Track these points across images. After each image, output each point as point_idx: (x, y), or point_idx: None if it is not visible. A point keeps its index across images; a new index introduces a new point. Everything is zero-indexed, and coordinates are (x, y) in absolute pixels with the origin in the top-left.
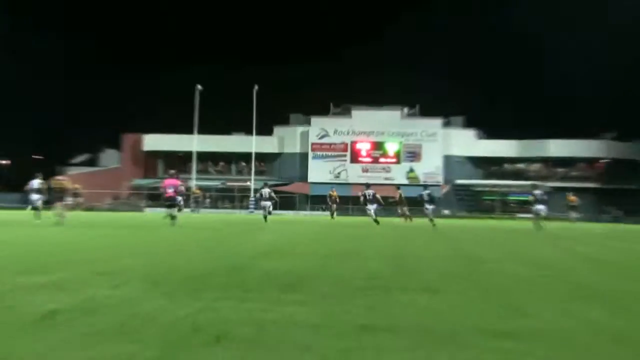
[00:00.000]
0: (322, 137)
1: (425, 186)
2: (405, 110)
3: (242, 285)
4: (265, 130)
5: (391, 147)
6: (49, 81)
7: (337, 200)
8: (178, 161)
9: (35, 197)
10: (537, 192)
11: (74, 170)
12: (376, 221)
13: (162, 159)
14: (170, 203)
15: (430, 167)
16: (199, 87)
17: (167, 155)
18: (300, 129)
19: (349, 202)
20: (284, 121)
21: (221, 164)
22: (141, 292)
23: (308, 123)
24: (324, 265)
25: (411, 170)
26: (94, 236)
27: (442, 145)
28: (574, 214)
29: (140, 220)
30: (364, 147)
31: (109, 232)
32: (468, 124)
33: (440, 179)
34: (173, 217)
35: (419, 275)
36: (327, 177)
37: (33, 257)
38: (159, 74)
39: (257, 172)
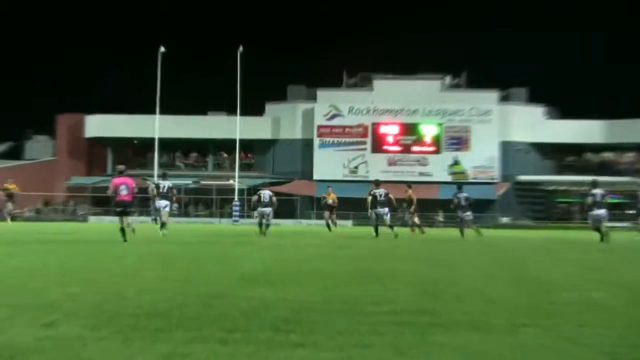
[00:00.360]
0: (333, 117)
1: (460, 185)
2: (447, 79)
3: (221, 321)
4: (254, 108)
5: (428, 131)
6: None
7: (336, 203)
8: (133, 151)
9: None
10: (597, 191)
11: None
12: (392, 228)
13: (111, 148)
14: (123, 209)
15: (481, 158)
16: (162, 48)
17: (118, 143)
18: (302, 107)
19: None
20: (280, 96)
21: (193, 155)
22: (83, 332)
23: (313, 98)
24: (333, 292)
25: (455, 163)
26: (12, 255)
27: (499, 127)
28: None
29: (82, 233)
30: (390, 130)
31: (36, 249)
32: (533, 98)
33: (495, 174)
34: (123, 230)
35: (463, 306)
36: (339, 173)
37: None
38: (102, 32)
39: (243, 167)
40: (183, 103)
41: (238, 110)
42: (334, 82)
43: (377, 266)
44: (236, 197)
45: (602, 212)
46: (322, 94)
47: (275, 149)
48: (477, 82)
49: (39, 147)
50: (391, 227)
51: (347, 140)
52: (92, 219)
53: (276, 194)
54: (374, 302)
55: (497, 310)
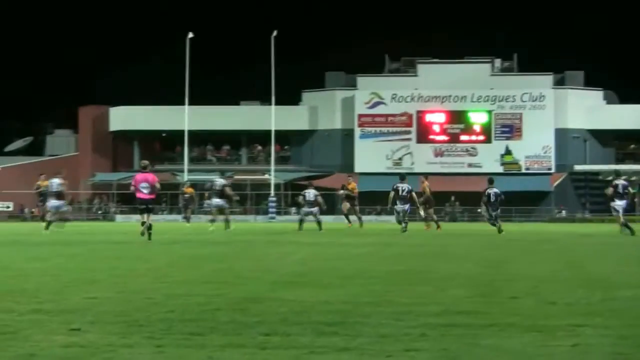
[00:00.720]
0: (375, 105)
1: (492, 180)
2: (498, 62)
3: (259, 325)
4: (289, 97)
5: (477, 119)
6: None
7: (356, 194)
8: (161, 145)
9: (54, 202)
10: (619, 182)
11: (6, 162)
12: (403, 226)
13: (137, 142)
14: (146, 207)
15: (535, 148)
16: (190, 34)
17: (145, 136)
18: (341, 94)
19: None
20: (318, 83)
21: (226, 148)
22: (112, 338)
23: (353, 85)
24: (378, 294)
25: (507, 153)
26: (36, 258)
27: (553, 114)
28: None
29: (108, 233)
30: (436, 118)
31: (61, 251)
32: (590, 81)
33: (550, 164)
34: (150, 228)
35: (517, 307)
36: (382, 165)
37: None
38: (127, 19)
39: (279, 160)
40: (214, 93)
41: (273, 100)
42: (376, 68)
43: (425, 265)
44: (272, 193)
45: (622, 203)
46: (363, 80)
47: (313, 140)
48: (529, 65)
49: (60, 142)
50: (402, 223)
51: (390, 129)
52: (119, 217)
53: (315, 188)
54: (422, 304)
55: (553, 310)
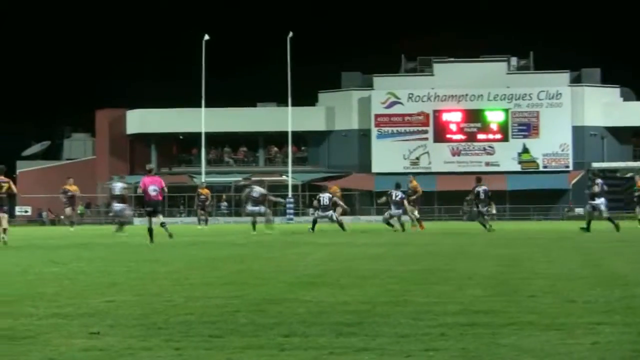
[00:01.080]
0: (391, 105)
1: (480, 178)
2: (514, 61)
3: (278, 327)
4: (306, 98)
5: (494, 117)
6: None
7: (340, 199)
8: (179, 148)
9: (118, 206)
10: (600, 181)
11: (24, 167)
12: (397, 226)
13: (155, 144)
14: (153, 209)
15: (553, 146)
16: (206, 36)
17: (162, 139)
18: (357, 95)
19: (434, 201)
20: (334, 84)
21: (243, 149)
22: (131, 342)
23: (369, 85)
24: (396, 293)
25: (525, 151)
26: (54, 262)
27: (571, 111)
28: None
29: (125, 236)
30: (453, 118)
31: (78, 254)
32: (607, 79)
33: (568, 162)
34: (151, 231)
35: (537, 304)
36: (399, 165)
37: None
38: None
39: (296, 161)
40: (230, 94)
41: (289, 101)
42: (391, 68)
43: (443, 265)
44: (290, 194)
45: (602, 201)
46: (379, 80)
47: (330, 141)
48: (545, 63)
49: (77, 146)
50: (390, 225)
51: (407, 129)
52: (137, 221)
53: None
54: (441, 303)
55: (572, 308)
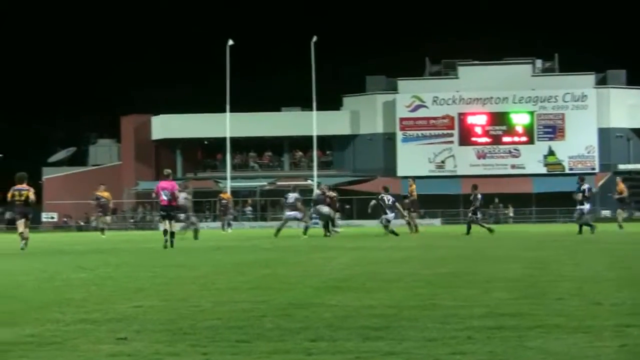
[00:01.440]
0: (416, 108)
1: (476, 185)
2: (539, 63)
3: (304, 331)
4: (330, 102)
5: (519, 120)
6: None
7: (336, 203)
8: (204, 153)
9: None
10: (586, 186)
11: (50, 173)
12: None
13: (180, 150)
14: (167, 213)
15: (578, 148)
16: (230, 42)
17: (187, 144)
18: (382, 98)
19: (459, 205)
20: (358, 88)
21: (268, 154)
22: (158, 347)
23: (394, 89)
24: (422, 297)
25: (550, 153)
26: (82, 267)
27: (596, 113)
28: (621, 211)
29: (153, 242)
30: (478, 120)
31: (106, 260)
32: (633, 80)
33: (594, 164)
34: (166, 232)
35: (564, 307)
36: (425, 168)
37: None
38: (166, 27)
39: (321, 165)
40: (254, 99)
41: (314, 105)
42: (416, 71)
43: (468, 268)
44: (314, 195)
45: (588, 206)
46: (404, 84)
47: (355, 145)
48: (570, 64)
49: (103, 152)
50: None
51: (432, 132)
52: (162, 226)
53: (357, 193)
54: (467, 306)
55: (599, 311)
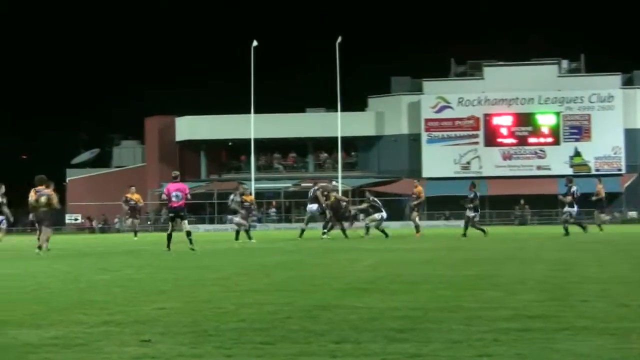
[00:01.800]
0: (441, 109)
1: (474, 184)
2: (565, 64)
3: (329, 333)
4: (355, 103)
5: (545, 121)
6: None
7: (342, 209)
8: (228, 154)
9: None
10: (574, 189)
11: (74, 175)
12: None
13: (204, 151)
14: (175, 214)
15: (605, 148)
16: (255, 43)
17: (211, 145)
18: (407, 99)
19: (485, 206)
20: (383, 88)
21: (292, 155)
22: (182, 349)
23: (419, 90)
24: (447, 299)
25: (577, 154)
26: (105, 268)
27: (623, 114)
28: (600, 213)
29: (176, 243)
30: (503, 121)
31: (129, 262)
32: None
33: (620, 165)
34: (171, 236)
35: (591, 309)
36: (450, 170)
37: (11, 302)
38: (190, 28)
39: (346, 166)
40: (279, 100)
41: (339, 106)
42: (441, 72)
43: (494, 270)
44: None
45: (575, 209)
46: (429, 85)
47: (380, 146)
48: (596, 65)
49: (127, 153)
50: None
51: (458, 133)
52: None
53: (382, 194)
54: (493, 308)
55: (626, 313)
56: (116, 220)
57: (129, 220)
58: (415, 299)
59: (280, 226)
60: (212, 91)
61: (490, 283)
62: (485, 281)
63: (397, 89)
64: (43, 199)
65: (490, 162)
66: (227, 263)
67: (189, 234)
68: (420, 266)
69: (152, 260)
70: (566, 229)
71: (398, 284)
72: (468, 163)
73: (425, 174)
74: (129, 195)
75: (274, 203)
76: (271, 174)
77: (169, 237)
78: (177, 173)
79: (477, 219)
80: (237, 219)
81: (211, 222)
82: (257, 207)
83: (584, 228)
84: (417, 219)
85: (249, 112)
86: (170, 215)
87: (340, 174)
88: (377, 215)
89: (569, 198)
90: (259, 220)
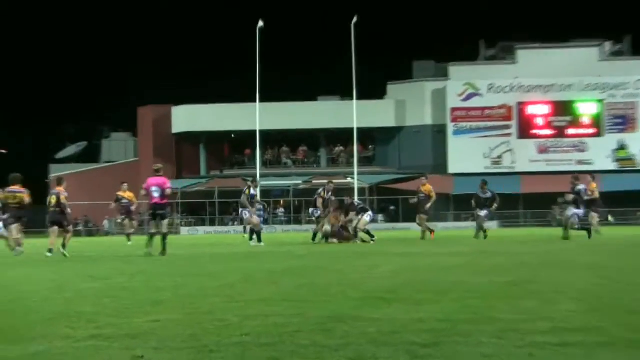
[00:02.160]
0: (469, 97)
1: (486, 181)
2: (607, 46)
3: (345, 348)
4: (373, 90)
5: (586, 109)
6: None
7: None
8: (230, 148)
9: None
10: (581, 187)
11: (59, 171)
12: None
13: (204, 145)
14: (154, 212)
15: None
16: (261, 23)
17: (212, 138)
18: (431, 86)
19: (518, 205)
20: (404, 74)
21: (303, 149)
22: None
23: (444, 75)
24: (477, 310)
25: (620, 148)
26: (95, 276)
27: None
28: (595, 215)
29: (173, 247)
30: (539, 110)
31: (120, 268)
32: None
33: None
34: (153, 236)
35: (635, 321)
36: (479, 164)
37: None
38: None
39: (363, 161)
40: (288, 88)
41: (354, 94)
42: (469, 56)
43: (530, 276)
44: (356, 198)
45: (579, 211)
46: (455, 69)
47: (401, 139)
48: None
49: (118, 147)
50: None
51: (488, 124)
52: (184, 230)
53: (404, 192)
54: (528, 320)
55: None
56: (105, 221)
57: (126, 221)
58: (442, 310)
59: (289, 228)
60: (213, 78)
61: (525, 291)
62: (519, 289)
63: (420, 74)
64: (19, 196)
65: (525, 156)
66: (231, 269)
67: (164, 236)
68: (447, 272)
69: (147, 267)
70: (567, 231)
71: (422, 293)
72: (499, 157)
73: (452, 169)
74: (120, 194)
75: (282, 202)
76: (279, 169)
77: (152, 236)
78: (160, 166)
79: (487, 219)
80: (254, 218)
81: (212, 223)
82: (264, 207)
83: (588, 232)
84: (424, 222)
85: (254, 100)
86: (150, 212)
87: (356, 169)
88: (367, 218)
89: (570, 196)
90: (265, 221)
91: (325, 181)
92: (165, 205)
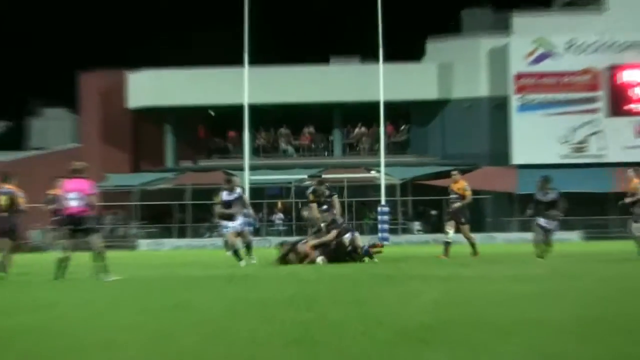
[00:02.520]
0: (540, 58)
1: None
2: None
3: None
4: (407, 50)
5: None
6: None
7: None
8: (208, 129)
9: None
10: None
11: None
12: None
13: (171, 125)
14: (74, 227)
15: None
16: None
17: (183, 116)
18: (488, 44)
19: (609, 209)
20: (451, 27)
21: (309, 130)
22: None
23: (504, 28)
24: (558, 355)
25: None
26: (31, 305)
27: None
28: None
29: (128, 267)
30: (638, 77)
31: (48, 297)
32: None
33: None
34: (65, 262)
35: None
36: (554, 152)
37: None
38: None
39: (393, 147)
40: (288, 47)
41: (380, 54)
42: (541, 1)
43: (632, 308)
44: (382, 199)
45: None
46: (521, 21)
47: (445, 117)
48: None
49: (53, 128)
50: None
51: (567, 96)
52: (143, 243)
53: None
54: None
55: None
56: (34, 231)
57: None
58: (499, 355)
59: (289, 239)
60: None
61: (621, 330)
62: (614, 327)
63: (472, 26)
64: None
65: (617, 141)
66: (211, 298)
67: (99, 256)
68: (511, 305)
69: (99, 295)
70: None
71: (478, 333)
72: (582, 143)
73: (516, 159)
74: (52, 192)
75: (279, 205)
76: (276, 159)
77: (62, 262)
78: (81, 165)
79: (555, 231)
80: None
81: (181, 234)
82: (255, 210)
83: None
84: (451, 231)
85: (241, 64)
86: (68, 227)
87: (382, 159)
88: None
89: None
90: (257, 231)
91: (340, 175)
92: (91, 217)
